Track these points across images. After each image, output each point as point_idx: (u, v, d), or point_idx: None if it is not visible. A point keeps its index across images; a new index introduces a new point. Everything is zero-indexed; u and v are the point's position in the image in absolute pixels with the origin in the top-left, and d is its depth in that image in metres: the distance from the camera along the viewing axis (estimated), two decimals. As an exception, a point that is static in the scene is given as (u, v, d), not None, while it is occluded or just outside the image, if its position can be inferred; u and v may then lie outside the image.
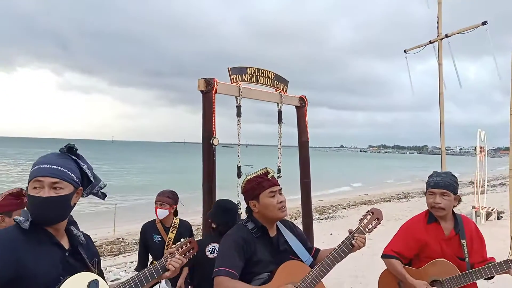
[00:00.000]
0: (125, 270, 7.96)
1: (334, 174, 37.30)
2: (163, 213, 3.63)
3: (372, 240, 8.68)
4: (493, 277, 2.59)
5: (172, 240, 3.51)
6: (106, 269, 7.96)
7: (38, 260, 1.46)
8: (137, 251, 10.01)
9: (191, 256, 1.97)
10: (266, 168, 2.33)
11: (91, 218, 14.40)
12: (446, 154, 7.93)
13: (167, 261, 1.84)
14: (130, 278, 1.69)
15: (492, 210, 11.81)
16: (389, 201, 19.43)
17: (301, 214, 6.05)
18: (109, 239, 11.44)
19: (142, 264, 3.80)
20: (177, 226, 3.66)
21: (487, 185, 18.62)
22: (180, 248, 1.92)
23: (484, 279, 2.60)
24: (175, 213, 3.76)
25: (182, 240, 2.01)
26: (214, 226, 3.06)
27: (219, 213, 3.04)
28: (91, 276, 1.56)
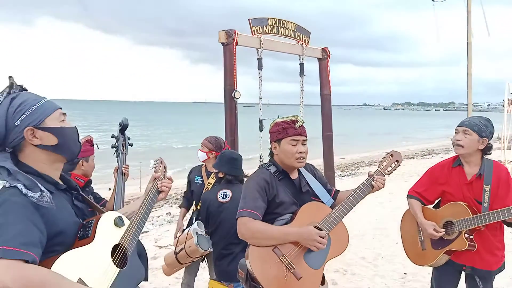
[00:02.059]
0: (153, 224, 8.26)
1: (356, 132, 36.98)
2: (202, 155, 3.73)
3: (393, 195, 8.73)
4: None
5: (211, 185, 3.60)
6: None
7: (60, 211, 1.44)
8: (163, 206, 10.30)
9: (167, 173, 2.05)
10: (296, 116, 2.34)
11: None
12: (473, 110, 7.72)
13: (157, 184, 1.91)
14: (139, 207, 1.77)
15: (519, 164, 11.57)
16: (413, 158, 19.24)
17: (323, 168, 6.08)
18: (136, 195, 11.85)
19: (186, 200, 3.99)
20: None
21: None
22: (158, 170, 1.99)
23: (506, 225, 2.61)
24: None
25: (152, 162, 2.07)
26: (221, 175, 3.20)
27: (223, 163, 3.19)
28: (113, 213, 1.63)
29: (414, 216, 2.85)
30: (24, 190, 1.35)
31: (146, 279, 1.71)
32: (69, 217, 1.50)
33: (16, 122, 1.41)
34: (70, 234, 1.47)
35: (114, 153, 2.88)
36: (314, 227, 2.22)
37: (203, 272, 4.16)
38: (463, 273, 2.82)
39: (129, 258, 1.59)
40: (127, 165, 2.88)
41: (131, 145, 2.93)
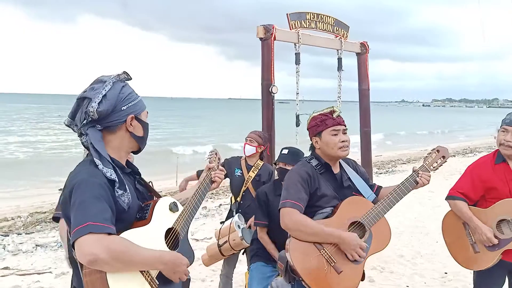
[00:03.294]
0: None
1: (393, 130, 36.11)
2: (250, 149, 3.68)
3: (433, 193, 8.49)
4: None
5: (251, 179, 3.62)
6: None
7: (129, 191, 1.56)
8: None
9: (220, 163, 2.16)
10: (332, 107, 2.33)
11: (155, 168, 15.21)
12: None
13: (211, 174, 2.01)
14: (193, 195, 1.87)
15: None
16: (454, 156, 18.58)
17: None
18: (173, 190, 12.09)
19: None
20: (259, 167, 3.73)
21: None
22: (213, 161, 2.09)
23: None
24: (261, 157, 3.82)
25: (207, 152, 2.17)
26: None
27: (295, 158, 3.02)
28: (169, 199, 1.74)
29: (465, 218, 2.70)
30: (113, 176, 1.50)
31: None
32: (133, 199, 1.61)
33: (123, 107, 1.58)
34: (132, 215, 1.59)
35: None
36: (355, 221, 2.20)
37: (239, 266, 4.21)
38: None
39: (180, 241, 1.69)
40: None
41: None
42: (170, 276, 1.56)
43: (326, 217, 2.22)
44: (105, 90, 1.54)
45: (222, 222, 3.77)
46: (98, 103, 1.51)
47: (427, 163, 2.35)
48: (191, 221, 1.77)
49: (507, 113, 2.70)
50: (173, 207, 1.70)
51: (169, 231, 1.66)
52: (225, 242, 3.42)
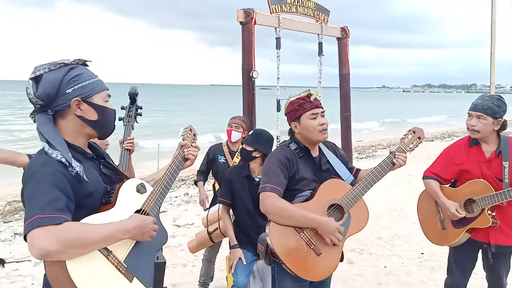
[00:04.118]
0: (171, 204, 8.41)
1: (373, 116, 36.42)
2: (237, 135, 3.68)
3: (412, 176, 8.66)
4: None
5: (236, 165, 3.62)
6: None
7: (88, 178, 1.51)
8: (181, 187, 10.34)
9: (196, 140, 2.07)
10: (309, 90, 2.33)
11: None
12: (495, 93, 7.57)
13: (183, 151, 1.93)
14: (164, 174, 1.81)
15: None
16: (432, 140, 18.96)
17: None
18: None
19: (202, 174, 3.98)
20: None
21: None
22: (187, 138, 2.00)
23: None
24: (242, 142, 3.82)
25: (181, 129, 2.07)
26: (257, 154, 3.04)
27: (262, 142, 3.04)
28: (136, 180, 1.70)
29: (434, 196, 2.83)
30: (59, 157, 1.44)
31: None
32: (97, 184, 1.58)
33: (68, 90, 1.51)
34: (97, 199, 1.56)
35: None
36: (334, 204, 2.24)
37: (221, 250, 4.24)
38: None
39: None
40: (132, 138, 2.69)
41: (140, 115, 2.76)
42: (140, 239, 1.55)
43: (305, 200, 2.24)
44: (35, 74, 1.48)
45: (207, 209, 3.77)
46: (36, 87, 1.47)
47: (404, 144, 2.39)
48: (162, 202, 1.74)
49: (477, 98, 2.76)
50: (140, 189, 1.66)
51: (138, 213, 1.63)
52: (216, 229, 3.42)
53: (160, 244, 1.72)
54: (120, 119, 2.72)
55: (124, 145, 2.64)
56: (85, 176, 1.48)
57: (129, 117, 2.69)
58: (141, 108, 2.76)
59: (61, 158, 1.44)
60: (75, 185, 1.46)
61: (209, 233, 3.48)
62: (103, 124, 1.61)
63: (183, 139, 1.99)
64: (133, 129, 2.70)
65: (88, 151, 1.65)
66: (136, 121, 2.72)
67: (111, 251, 1.47)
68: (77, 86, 1.52)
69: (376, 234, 5.50)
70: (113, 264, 1.46)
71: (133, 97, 2.71)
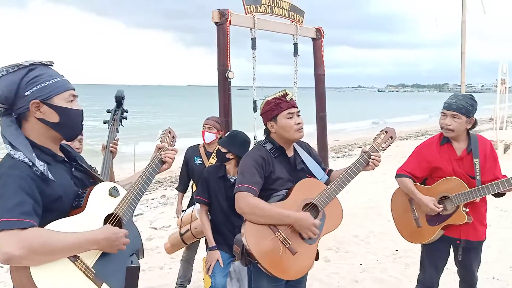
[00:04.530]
0: (147, 206, 8.31)
1: (350, 115, 36.86)
2: (210, 136, 3.67)
3: (386, 175, 8.81)
4: (503, 194, 2.65)
5: None
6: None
7: (57, 181, 1.48)
8: (158, 189, 10.22)
9: (175, 143, 2.03)
10: (284, 90, 2.35)
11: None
12: (467, 91, 7.79)
13: (161, 154, 1.88)
14: (138, 178, 1.77)
15: (511, 143, 11.73)
16: (406, 139, 19.38)
17: (316, 149, 6.12)
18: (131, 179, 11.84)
19: (183, 184, 3.97)
20: None
21: (508, 122, 18.37)
22: (165, 140, 1.96)
23: (494, 195, 2.67)
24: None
25: (160, 131, 2.03)
26: (230, 156, 3.06)
27: (235, 144, 3.04)
28: (108, 184, 1.66)
29: (410, 193, 2.85)
30: (22, 157, 1.41)
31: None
32: (67, 187, 1.54)
33: (26, 92, 1.47)
34: (66, 203, 1.52)
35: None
36: (309, 203, 2.26)
37: (199, 251, 4.22)
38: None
39: (124, 226, 1.63)
40: (116, 140, 2.70)
41: (126, 119, 2.78)
42: (108, 251, 1.52)
43: (281, 199, 2.26)
44: None
45: (183, 211, 3.76)
46: None
47: (376, 143, 2.42)
48: (136, 205, 1.70)
49: (449, 97, 2.83)
50: (113, 192, 1.63)
51: (111, 217, 1.60)
52: (187, 230, 3.41)
53: (133, 250, 1.68)
54: (105, 122, 2.76)
55: (109, 146, 2.64)
56: (50, 175, 1.44)
57: (114, 120, 2.71)
58: (127, 112, 2.78)
59: (23, 158, 1.41)
60: (42, 188, 1.43)
61: (180, 234, 3.47)
62: (67, 125, 1.55)
63: (161, 141, 1.95)
64: (118, 132, 2.72)
65: (60, 153, 1.61)
66: (121, 124, 2.74)
67: (79, 257, 1.44)
68: (35, 88, 1.47)
69: (352, 232, 5.58)
70: (80, 270, 1.43)
71: (119, 100, 2.73)
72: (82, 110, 1.61)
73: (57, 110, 1.51)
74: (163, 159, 1.88)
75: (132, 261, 1.65)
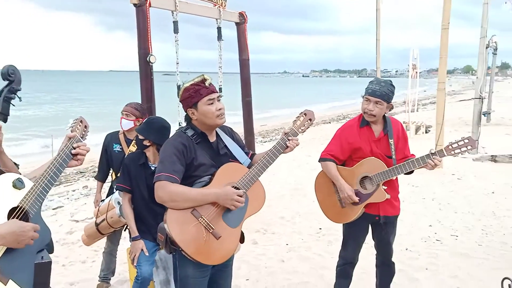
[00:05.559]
0: (68, 198, 7.89)
1: (276, 100, 37.63)
2: (127, 123, 3.52)
3: (310, 157, 9.16)
4: (412, 171, 2.87)
5: None
6: (48, 198, 7.85)
7: None
8: (80, 180, 9.73)
9: (87, 133, 1.92)
10: (203, 75, 2.30)
11: (27, 150, 13.82)
12: (382, 76, 8.26)
13: (72, 144, 1.76)
14: (46, 170, 1.65)
15: (421, 124, 12.75)
16: (329, 122, 20.27)
17: (243, 134, 6.16)
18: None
19: (102, 173, 3.79)
20: None
21: (419, 105, 19.89)
22: (77, 129, 1.85)
23: (404, 173, 2.88)
24: None
25: (70, 121, 1.91)
26: (148, 143, 3.00)
27: (152, 131, 2.98)
28: (12, 175, 1.57)
29: (333, 179, 2.96)
30: None
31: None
32: None
33: None
34: None
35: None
36: (232, 187, 2.26)
37: (123, 242, 4.09)
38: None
39: (31, 220, 1.54)
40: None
41: (14, 99, 2.22)
42: (14, 246, 1.44)
43: (205, 185, 2.24)
44: None
45: (102, 200, 3.61)
46: None
47: (296, 126, 2.48)
48: (44, 198, 1.62)
49: (370, 81, 2.96)
50: (17, 184, 1.54)
51: (15, 210, 1.52)
52: (103, 220, 3.28)
53: (42, 245, 1.59)
54: None
55: None
56: None
57: None
58: (15, 92, 2.20)
59: None
60: None
61: (96, 224, 3.34)
62: None
63: (71, 131, 1.82)
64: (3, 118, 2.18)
65: None
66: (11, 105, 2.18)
67: None
68: None
69: (278, 214, 5.73)
70: None
71: (5, 77, 2.19)
72: None
73: None
74: (74, 152, 1.76)
75: (42, 256, 1.57)
